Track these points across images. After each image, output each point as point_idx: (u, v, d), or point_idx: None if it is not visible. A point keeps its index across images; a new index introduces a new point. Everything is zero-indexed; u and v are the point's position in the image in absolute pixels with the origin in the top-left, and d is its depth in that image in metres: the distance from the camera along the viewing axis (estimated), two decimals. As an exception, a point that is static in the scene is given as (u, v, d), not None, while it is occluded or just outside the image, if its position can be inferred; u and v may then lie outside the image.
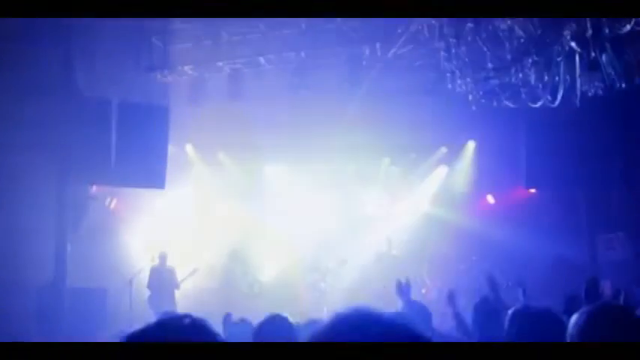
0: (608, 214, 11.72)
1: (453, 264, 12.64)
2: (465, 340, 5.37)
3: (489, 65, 6.49)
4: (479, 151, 13.49)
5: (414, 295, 9.96)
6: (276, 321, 3.62)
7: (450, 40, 6.22)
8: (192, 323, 1.67)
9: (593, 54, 6.09)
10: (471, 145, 13.72)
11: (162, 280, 11.32)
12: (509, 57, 6.28)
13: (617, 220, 11.72)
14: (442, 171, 14.07)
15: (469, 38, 6.29)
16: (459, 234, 13.23)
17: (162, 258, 11.55)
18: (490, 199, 13.77)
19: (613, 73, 6.44)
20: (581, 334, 2.65)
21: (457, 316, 5.91)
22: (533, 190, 12.53)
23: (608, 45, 6.24)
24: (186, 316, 1.69)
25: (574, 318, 2.73)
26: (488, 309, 4.73)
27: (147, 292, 11.15)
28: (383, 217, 13.95)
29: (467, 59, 6.49)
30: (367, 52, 10.40)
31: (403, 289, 5.44)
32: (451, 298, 5.83)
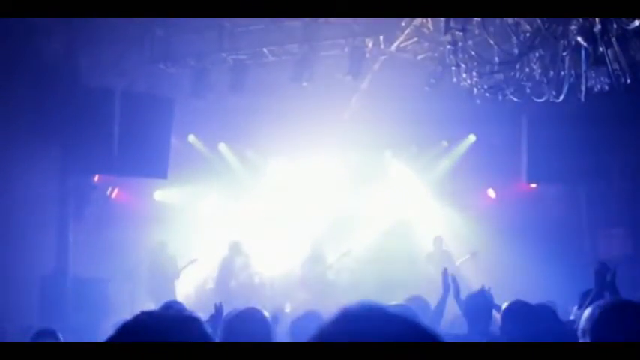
0: (609, 210, 11.73)
1: (453, 258, 12.66)
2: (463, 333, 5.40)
3: (495, 59, 6.46)
4: (481, 145, 13.50)
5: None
6: (247, 315, 3.51)
7: (457, 33, 6.18)
8: (176, 314, 1.68)
9: (599, 49, 6.05)
10: (470, 139, 13.74)
11: (162, 269, 11.34)
12: (515, 51, 6.24)
13: (619, 215, 11.74)
14: (443, 164, 14.08)
15: (476, 32, 6.27)
16: (459, 227, 13.27)
17: (163, 246, 11.56)
18: (491, 193, 13.79)
19: (619, 68, 6.40)
20: (594, 329, 2.65)
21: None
22: (534, 185, 12.55)
23: (614, 40, 6.20)
24: (169, 306, 1.71)
25: (587, 312, 2.73)
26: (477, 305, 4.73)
27: (147, 281, 11.18)
28: (384, 210, 13.98)
29: (473, 53, 6.45)
30: (370, 44, 10.37)
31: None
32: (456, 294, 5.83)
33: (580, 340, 2.75)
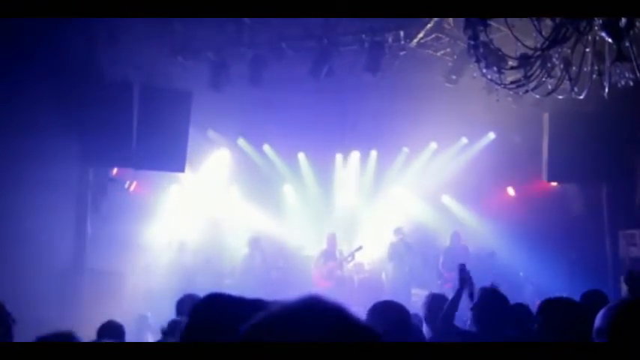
0: (630, 210, 11.53)
1: (470, 256, 12.55)
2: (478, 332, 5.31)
3: (517, 54, 6.36)
4: (500, 142, 13.37)
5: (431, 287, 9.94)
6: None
7: (478, 28, 6.09)
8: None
9: (624, 44, 5.92)
10: (489, 136, 13.61)
11: (181, 264, 11.40)
12: (538, 46, 6.13)
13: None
14: (462, 162, 13.96)
15: (497, 26, 6.17)
16: (478, 226, 13.15)
17: (182, 244, 11.63)
18: (510, 191, 13.65)
19: (643, 63, 6.26)
20: (612, 328, 2.57)
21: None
22: (554, 184, 12.38)
23: (639, 35, 6.08)
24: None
25: (603, 311, 2.65)
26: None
27: (165, 277, 11.20)
28: (400, 206, 13.90)
29: (493, 47, 6.35)
30: (390, 39, 10.29)
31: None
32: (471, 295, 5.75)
33: (595, 340, 2.67)
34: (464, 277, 4.87)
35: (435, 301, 5.01)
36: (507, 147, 13.10)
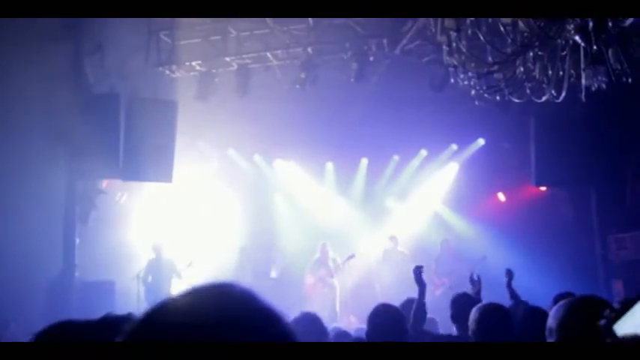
0: (619, 212, 11.54)
1: (462, 262, 12.55)
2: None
3: (491, 59, 6.40)
4: (490, 148, 13.40)
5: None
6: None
7: (451, 33, 6.14)
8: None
9: (597, 47, 5.96)
10: (479, 143, 13.65)
11: (159, 273, 11.27)
12: (511, 50, 6.17)
13: (630, 219, 11.54)
14: (452, 168, 14.00)
15: (469, 31, 6.22)
16: (469, 231, 13.16)
17: (158, 250, 11.46)
18: (501, 196, 13.66)
19: (619, 67, 6.30)
20: (560, 326, 2.60)
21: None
22: (543, 188, 12.40)
23: (613, 38, 6.12)
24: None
25: (553, 310, 2.68)
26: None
27: (146, 284, 11.09)
28: (392, 214, 13.92)
29: (469, 53, 6.39)
30: (374, 47, 10.35)
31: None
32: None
33: (548, 340, 2.69)
34: (421, 281, 4.92)
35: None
36: (497, 153, 13.14)
